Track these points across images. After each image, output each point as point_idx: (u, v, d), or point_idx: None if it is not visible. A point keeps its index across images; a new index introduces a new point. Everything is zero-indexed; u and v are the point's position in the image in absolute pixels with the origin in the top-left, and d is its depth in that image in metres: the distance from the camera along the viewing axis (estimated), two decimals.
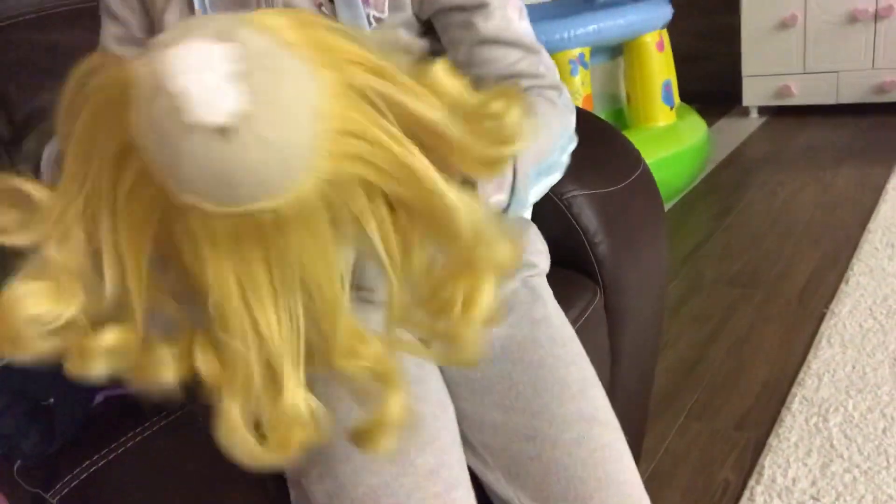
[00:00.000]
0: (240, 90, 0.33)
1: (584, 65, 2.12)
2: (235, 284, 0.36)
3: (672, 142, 2.19)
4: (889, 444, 1.13)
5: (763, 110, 3.07)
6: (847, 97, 2.81)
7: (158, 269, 0.38)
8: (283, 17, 0.36)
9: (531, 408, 0.60)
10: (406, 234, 0.38)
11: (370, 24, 0.63)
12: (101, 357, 0.38)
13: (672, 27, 2.35)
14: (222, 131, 0.33)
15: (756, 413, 1.28)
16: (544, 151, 0.62)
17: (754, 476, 1.12)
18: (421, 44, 0.67)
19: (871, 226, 1.90)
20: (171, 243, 0.37)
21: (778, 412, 1.26)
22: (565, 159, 0.65)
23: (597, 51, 2.23)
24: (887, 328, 1.43)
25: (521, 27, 0.67)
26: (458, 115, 0.38)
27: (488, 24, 0.64)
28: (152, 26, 0.68)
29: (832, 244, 1.86)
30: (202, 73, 0.33)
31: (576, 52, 2.08)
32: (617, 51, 2.35)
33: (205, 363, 0.39)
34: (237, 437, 0.38)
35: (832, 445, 1.15)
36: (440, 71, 0.39)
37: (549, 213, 0.85)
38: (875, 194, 2.11)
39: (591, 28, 2.09)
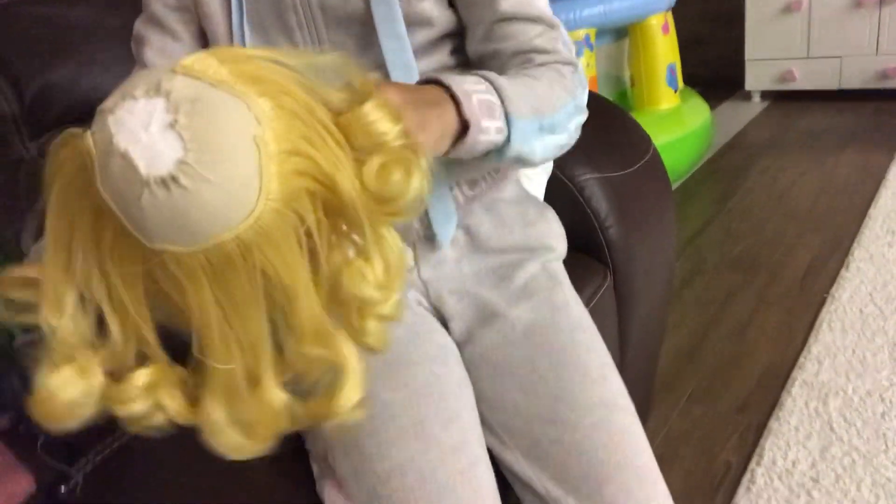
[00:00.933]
0: (174, 139, 0.37)
1: (590, 46, 2.12)
2: (215, 307, 0.40)
3: (676, 125, 2.19)
4: (888, 427, 1.15)
5: (765, 95, 3.07)
6: (850, 83, 2.81)
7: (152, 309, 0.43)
8: (213, 57, 0.39)
9: (553, 391, 0.61)
10: (331, 235, 0.42)
11: None
12: (139, 397, 0.43)
13: (676, 10, 2.34)
14: (168, 181, 0.37)
15: (757, 396, 1.30)
16: (545, 105, 0.60)
17: (755, 458, 1.14)
18: (447, 15, 0.66)
19: (872, 212, 1.91)
20: (156, 284, 0.41)
21: (778, 396, 1.28)
22: (573, 127, 0.64)
23: (602, 32, 2.22)
24: (887, 313, 1.45)
25: (541, 2, 0.66)
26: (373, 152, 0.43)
27: (509, 1, 0.64)
28: None
29: (833, 230, 1.87)
30: (139, 133, 0.37)
31: (581, 33, 2.07)
32: (622, 33, 2.34)
33: (172, 399, 0.44)
34: (223, 437, 0.42)
35: (832, 429, 1.17)
36: (371, 110, 0.43)
37: (561, 197, 0.85)
38: (876, 181, 2.11)
39: (597, 10, 2.08)
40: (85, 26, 1.12)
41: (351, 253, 0.43)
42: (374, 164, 0.43)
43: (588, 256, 0.87)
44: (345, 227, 0.43)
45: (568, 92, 0.64)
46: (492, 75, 0.58)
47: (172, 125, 0.37)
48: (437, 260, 0.67)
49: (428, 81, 0.56)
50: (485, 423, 0.62)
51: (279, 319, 0.41)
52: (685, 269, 1.78)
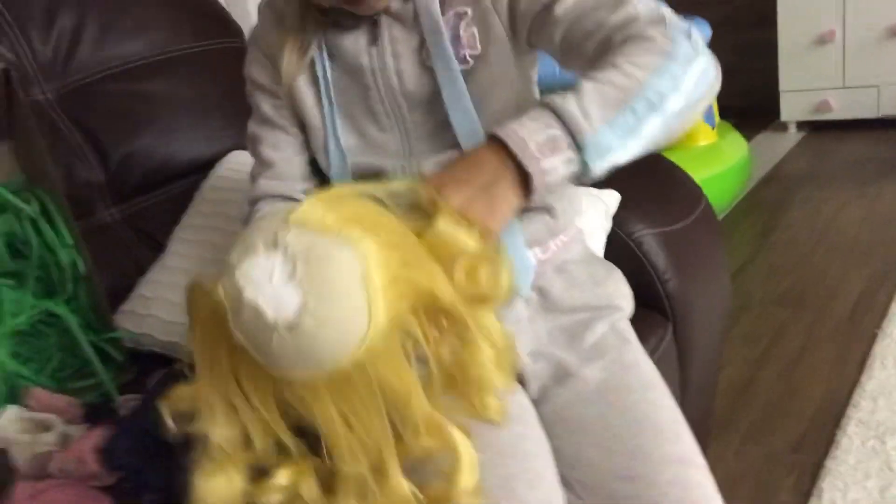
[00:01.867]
0: (294, 289, 0.44)
1: None
2: (339, 417, 0.48)
3: (714, 161, 2.22)
4: None
5: (802, 125, 3.08)
6: (889, 110, 2.81)
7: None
8: (318, 205, 0.47)
9: (628, 449, 0.64)
10: (441, 334, 0.50)
11: (467, 61, 0.68)
12: (280, 491, 0.51)
13: (710, 44, 2.37)
14: (292, 325, 0.44)
15: (812, 435, 1.31)
16: (627, 90, 0.56)
17: (813, 499, 1.15)
18: (520, 73, 0.70)
19: None
20: (285, 400, 0.49)
21: (833, 434, 1.28)
22: (685, 86, 0.58)
23: None
24: None
25: None
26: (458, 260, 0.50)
27: (567, 6, 0.63)
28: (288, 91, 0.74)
29: (880, 262, 1.87)
30: (264, 285, 0.44)
31: None
32: None
33: (309, 490, 0.51)
34: None
35: (891, 468, 1.17)
36: (446, 225, 0.50)
37: (620, 253, 0.89)
38: None
39: None
40: (162, 98, 1.20)
41: (458, 344, 0.50)
42: (461, 269, 0.50)
43: (649, 309, 0.90)
44: (447, 324, 0.49)
45: (656, 52, 0.58)
46: (556, 100, 0.57)
47: (291, 277, 0.44)
48: (514, 319, 0.71)
49: (490, 137, 0.58)
50: (562, 479, 0.66)
51: (396, 417, 0.48)
52: (731, 306, 1.80)
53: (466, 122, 0.68)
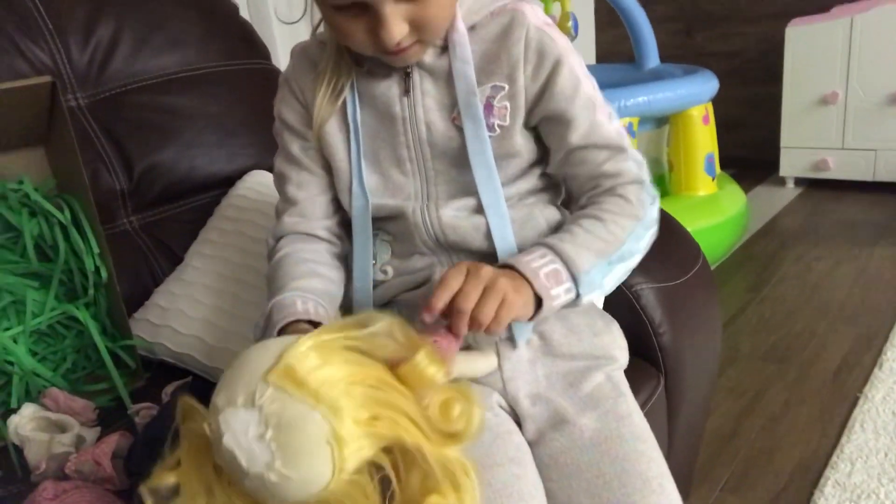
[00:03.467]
0: (266, 448, 0.50)
1: (633, 134, 2.23)
2: None
3: (712, 212, 2.28)
4: None
5: (799, 181, 3.15)
6: (884, 175, 2.88)
7: None
8: (303, 357, 0.53)
9: (616, 497, 0.68)
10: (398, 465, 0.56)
11: (494, 130, 0.74)
12: None
13: (716, 94, 2.44)
14: (262, 477, 0.51)
15: (790, 493, 1.35)
16: (610, 245, 0.71)
17: None
18: (532, 147, 0.78)
19: None
20: None
21: (811, 493, 1.32)
22: (642, 246, 0.75)
23: (644, 120, 2.34)
24: None
25: (610, 129, 0.75)
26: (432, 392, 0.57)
27: (578, 133, 0.74)
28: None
29: (867, 325, 1.92)
30: (240, 438, 0.51)
31: (625, 121, 2.18)
32: (663, 120, 2.45)
33: None
34: None
35: None
36: (422, 360, 0.56)
37: (618, 304, 0.93)
38: None
39: (641, 99, 2.19)
40: (189, 113, 1.24)
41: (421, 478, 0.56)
42: (435, 402, 0.56)
43: (642, 360, 0.95)
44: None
45: (632, 217, 0.73)
46: (555, 243, 0.70)
47: (263, 436, 0.50)
48: (516, 359, 0.75)
49: (504, 267, 0.68)
50: None
51: None
52: (719, 356, 1.84)
53: (489, 178, 0.74)
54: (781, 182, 3.17)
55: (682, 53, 3.38)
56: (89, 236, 0.92)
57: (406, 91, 0.75)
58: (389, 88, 0.75)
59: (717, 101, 2.47)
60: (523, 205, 0.78)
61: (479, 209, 0.75)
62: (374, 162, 0.77)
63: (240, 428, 0.51)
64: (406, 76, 0.75)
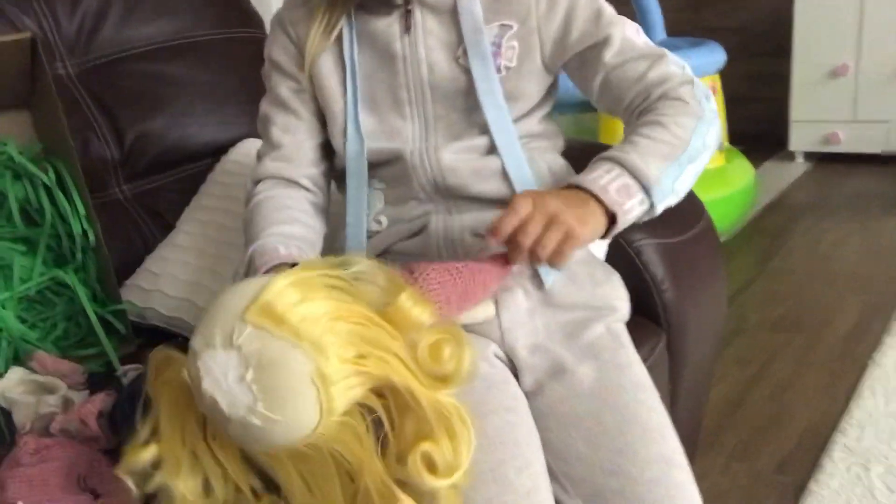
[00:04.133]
0: (247, 390, 0.48)
1: None
2: (300, 480, 0.51)
3: (720, 185, 2.24)
4: None
5: (809, 155, 3.10)
6: None
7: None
8: (283, 292, 0.50)
9: (616, 445, 0.66)
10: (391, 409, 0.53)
11: (500, 72, 0.72)
12: None
13: (724, 69, 2.40)
14: (245, 421, 0.48)
15: (797, 457, 1.32)
16: (675, 147, 0.67)
17: None
18: (540, 91, 0.75)
19: None
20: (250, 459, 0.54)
21: (819, 458, 1.30)
22: (709, 141, 0.70)
23: None
24: None
25: (642, 41, 0.73)
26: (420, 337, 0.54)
27: (612, 51, 0.71)
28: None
29: (876, 293, 1.89)
30: (220, 381, 0.48)
31: None
32: None
33: None
34: None
35: (873, 495, 1.18)
36: (406, 301, 0.54)
37: (620, 260, 0.91)
38: None
39: None
40: (180, 82, 1.22)
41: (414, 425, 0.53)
42: (424, 344, 0.54)
43: (644, 318, 0.92)
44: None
45: (691, 115, 0.69)
46: (619, 154, 0.66)
47: (243, 378, 0.48)
48: (514, 309, 0.73)
49: (569, 187, 0.65)
50: (550, 471, 0.67)
51: (350, 486, 0.51)
52: (727, 327, 1.81)
53: (500, 118, 0.72)
54: (791, 157, 3.12)
55: (689, 29, 3.32)
56: (75, 198, 0.91)
57: (407, 29, 0.72)
58: (389, 26, 0.73)
59: (724, 77, 2.43)
60: (524, 148, 0.75)
61: (491, 150, 0.73)
62: (371, 104, 0.74)
63: (219, 370, 0.48)
64: (407, 13, 0.72)
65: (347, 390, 0.50)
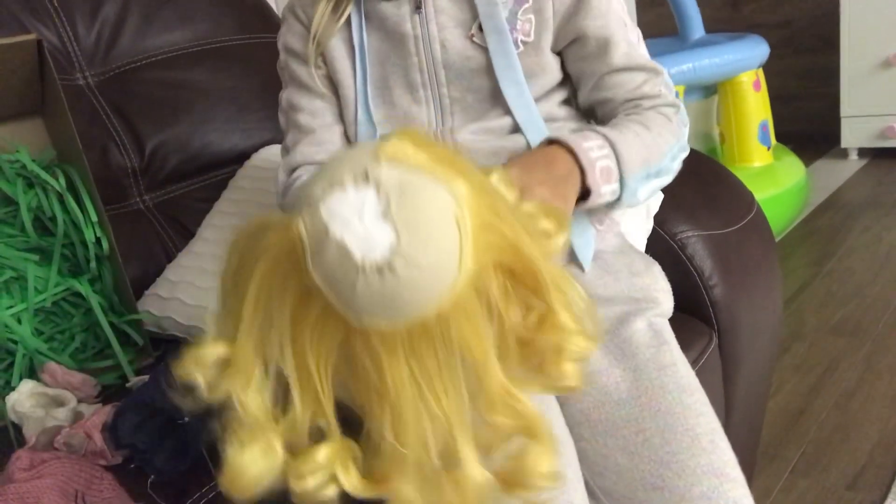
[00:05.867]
0: (387, 228, 0.38)
1: None
2: (411, 382, 0.41)
3: (770, 183, 2.13)
4: None
5: (863, 152, 2.94)
6: None
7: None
8: (407, 142, 0.41)
9: (659, 456, 0.58)
10: (515, 296, 0.44)
11: (518, 47, 0.68)
12: (318, 471, 0.43)
13: (768, 67, 2.30)
14: (381, 267, 0.38)
15: (870, 473, 1.21)
16: (653, 155, 0.66)
17: None
18: (558, 67, 0.72)
19: None
20: (347, 363, 0.42)
21: (894, 475, 1.18)
22: (676, 165, 0.70)
23: (690, 89, 2.20)
24: None
25: (642, 51, 0.72)
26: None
27: (618, 53, 0.69)
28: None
29: None
30: (353, 222, 0.38)
31: None
32: (711, 89, 2.32)
33: (348, 474, 0.44)
34: None
35: None
36: (497, 180, 0.47)
37: (662, 254, 0.83)
38: None
39: (686, 67, 2.07)
40: (201, 89, 1.20)
41: (535, 311, 0.44)
42: (531, 210, 0.47)
43: (692, 317, 0.84)
44: (525, 289, 0.43)
45: (673, 134, 0.69)
46: (612, 135, 0.63)
47: (384, 214, 0.38)
48: None
49: (556, 142, 0.61)
50: (587, 488, 0.60)
51: (470, 387, 0.42)
52: (783, 333, 1.70)
53: (520, 95, 0.68)
54: (843, 154, 2.97)
55: (729, 28, 3.21)
56: (87, 205, 0.88)
57: (417, 7, 0.69)
58: (399, 7, 0.69)
59: (769, 75, 2.32)
60: (548, 128, 0.70)
61: (514, 129, 0.70)
62: (384, 90, 0.71)
63: (351, 212, 0.39)
64: None
65: (482, 251, 0.41)
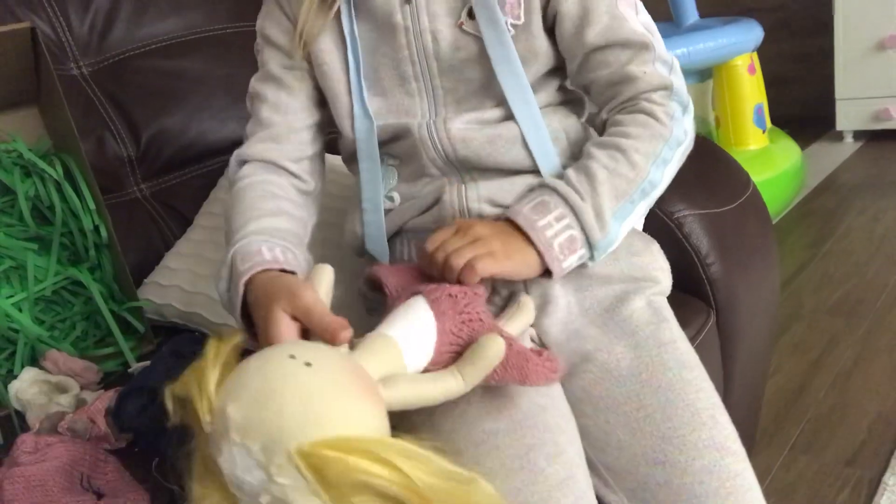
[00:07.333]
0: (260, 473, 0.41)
1: None
2: None
3: (765, 166, 2.14)
4: None
5: (859, 134, 2.95)
6: None
7: None
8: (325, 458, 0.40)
9: (660, 431, 0.59)
10: None
11: (510, 30, 0.66)
12: None
13: (762, 50, 2.30)
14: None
15: (868, 450, 1.22)
16: (632, 182, 0.63)
17: None
18: (554, 50, 0.69)
19: None
20: None
21: (892, 450, 1.19)
22: (667, 173, 0.65)
23: (685, 74, 2.20)
24: None
25: (635, 24, 0.66)
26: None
27: (596, 29, 0.65)
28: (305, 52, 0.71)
29: None
30: (238, 473, 0.42)
31: None
32: (706, 73, 2.32)
33: None
34: None
35: None
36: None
37: (659, 233, 0.83)
38: None
39: (679, 52, 2.06)
40: (196, 77, 1.19)
41: None
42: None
43: (689, 295, 0.85)
44: None
45: (658, 138, 0.65)
46: (576, 201, 0.61)
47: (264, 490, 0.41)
48: (547, 285, 0.66)
49: (512, 224, 0.61)
50: (589, 463, 0.60)
51: None
52: (781, 314, 1.70)
53: (518, 86, 0.67)
54: (839, 137, 2.97)
55: (723, 12, 3.20)
56: (85, 193, 0.88)
57: None
58: None
59: (763, 58, 2.32)
60: (542, 114, 0.69)
61: (508, 117, 0.68)
62: (376, 82, 0.70)
63: (240, 465, 0.42)
64: None
65: None
